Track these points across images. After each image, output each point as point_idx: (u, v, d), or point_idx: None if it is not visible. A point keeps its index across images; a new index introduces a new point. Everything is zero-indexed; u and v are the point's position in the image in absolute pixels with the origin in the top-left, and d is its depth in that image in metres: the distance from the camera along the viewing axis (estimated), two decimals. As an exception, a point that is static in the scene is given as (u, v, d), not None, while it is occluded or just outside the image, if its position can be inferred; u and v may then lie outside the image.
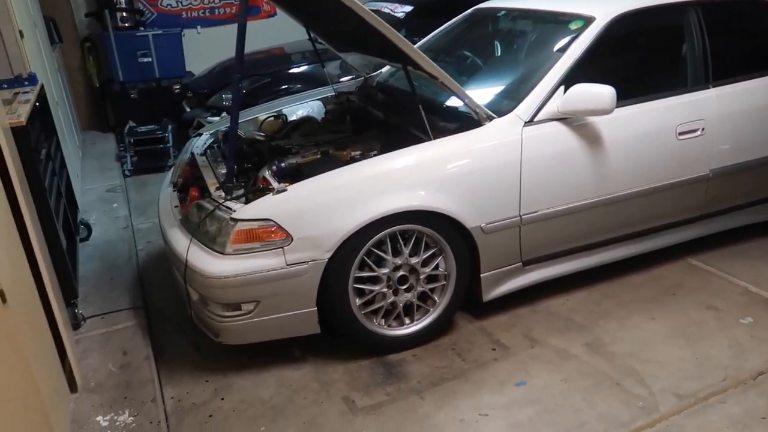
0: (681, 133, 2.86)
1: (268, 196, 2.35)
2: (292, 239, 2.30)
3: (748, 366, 2.40)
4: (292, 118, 3.63)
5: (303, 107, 3.77)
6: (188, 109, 5.53)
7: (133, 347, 2.57)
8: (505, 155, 2.55)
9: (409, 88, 2.64)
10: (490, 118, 2.59)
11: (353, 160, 2.66)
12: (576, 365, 2.46)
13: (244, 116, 3.63)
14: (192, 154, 3.20)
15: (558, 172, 2.65)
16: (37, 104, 2.90)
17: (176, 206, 2.85)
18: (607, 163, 2.72)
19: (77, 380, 2.30)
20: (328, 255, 2.34)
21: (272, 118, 3.56)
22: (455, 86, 2.52)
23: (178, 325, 2.79)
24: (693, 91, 2.93)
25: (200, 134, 3.52)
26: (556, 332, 2.69)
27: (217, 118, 4.96)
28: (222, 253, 2.32)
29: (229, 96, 5.09)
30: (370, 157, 2.66)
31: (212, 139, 3.43)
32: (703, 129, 2.90)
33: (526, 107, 2.62)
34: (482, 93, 2.89)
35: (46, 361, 2.01)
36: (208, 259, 2.34)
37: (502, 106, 2.69)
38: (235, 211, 2.35)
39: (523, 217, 2.62)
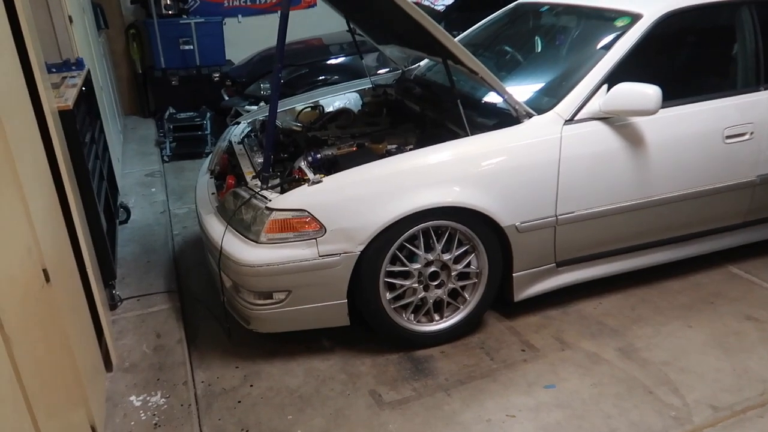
0: (728, 137, 2.76)
1: (303, 186, 2.36)
2: (325, 230, 2.31)
3: (789, 381, 2.32)
4: (329, 109, 3.64)
5: (340, 99, 3.77)
6: (227, 98, 5.60)
7: (166, 330, 2.62)
8: (543, 154, 2.51)
9: (447, 83, 2.62)
10: (530, 116, 2.55)
11: (389, 153, 2.65)
12: (607, 370, 2.41)
13: (282, 106, 3.65)
14: (230, 142, 3.24)
15: (597, 173, 2.59)
16: (84, 89, 2.97)
17: (213, 193, 2.89)
18: (648, 165, 2.65)
19: (113, 360, 2.36)
20: (361, 248, 2.34)
21: (309, 109, 3.58)
22: (495, 82, 2.49)
23: (211, 311, 2.84)
24: (743, 93, 2.83)
25: (238, 122, 3.56)
26: (588, 335, 2.64)
27: (255, 107, 5.02)
28: (256, 242, 2.34)
29: (267, 85, 5.13)
30: (406, 151, 2.65)
31: (250, 128, 3.46)
32: (752, 133, 2.80)
33: (566, 105, 2.57)
34: (522, 89, 2.85)
35: (85, 339, 2.07)
36: (243, 247, 2.36)
37: (542, 104, 2.64)
38: (270, 200, 2.38)
39: (559, 217, 2.58)
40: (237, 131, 3.40)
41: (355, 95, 3.80)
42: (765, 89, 2.85)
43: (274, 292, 2.39)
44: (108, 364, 2.36)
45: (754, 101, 2.82)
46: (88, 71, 3.37)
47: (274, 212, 2.32)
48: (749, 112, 2.80)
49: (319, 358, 2.55)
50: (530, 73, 3.14)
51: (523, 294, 2.70)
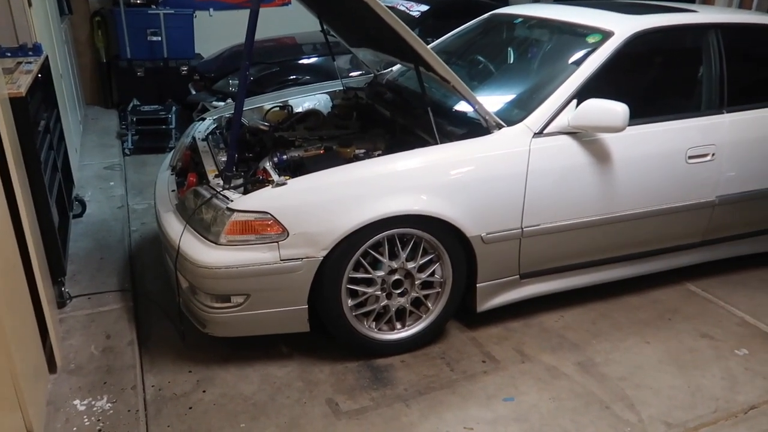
0: (691, 157, 2.81)
1: (267, 188, 2.30)
2: (288, 234, 2.25)
3: (740, 399, 2.36)
4: (298, 109, 3.58)
5: (310, 99, 3.72)
6: (194, 92, 5.47)
7: (117, 331, 2.52)
8: (511, 165, 2.50)
9: (419, 89, 2.59)
10: (500, 127, 2.54)
11: (357, 158, 2.60)
12: (566, 384, 2.42)
13: (250, 104, 3.58)
14: (194, 138, 3.15)
15: (563, 187, 2.60)
16: (40, 75, 2.84)
17: (173, 190, 2.80)
18: (613, 181, 2.67)
19: (57, 361, 2.25)
20: (324, 253, 2.29)
21: (278, 109, 3.51)
22: (466, 91, 2.47)
23: (165, 312, 2.74)
24: (706, 115, 2.88)
25: (204, 118, 3.47)
26: (548, 349, 2.64)
27: (222, 104, 4.91)
28: (215, 243, 2.27)
29: (236, 82, 5.03)
30: (374, 156, 2.61)
31: (215, 125, 3.38)
32: (713, 154, 2.86)
33: (536, 118, 2.57)
34: (493, 100, 2.84)
35: (26, 338, 1.96)
36: (201, 248, 2.28)
37: (512, 115, 2.64)
38: (232, 201, 2.30)
39: (524, 229, 2.58)
40: (201, 128, 3.30)
41: (326, 97, 3.75)
42: (727, 112, 2.91)
43: (232, 295, 2.32)
44: (52, 366, 2.25)
45: (717, 123, 2.88)
46: (46, 57, 3.23)
47: (235, 213, 2.25)
48: (711, 134, 2.86)
49: (277, 365, 2.48)
50: (501, 84, 3.14)
51: (486, 305, 2.68)
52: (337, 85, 3.76)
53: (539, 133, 2.56)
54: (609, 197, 2.70)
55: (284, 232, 2.25)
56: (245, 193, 2.36)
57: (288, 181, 2.31)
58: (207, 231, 2.31)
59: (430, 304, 2.59)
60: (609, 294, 3.03)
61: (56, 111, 3.35)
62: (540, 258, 2.72)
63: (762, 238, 3.29)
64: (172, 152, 3.23)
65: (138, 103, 5.76)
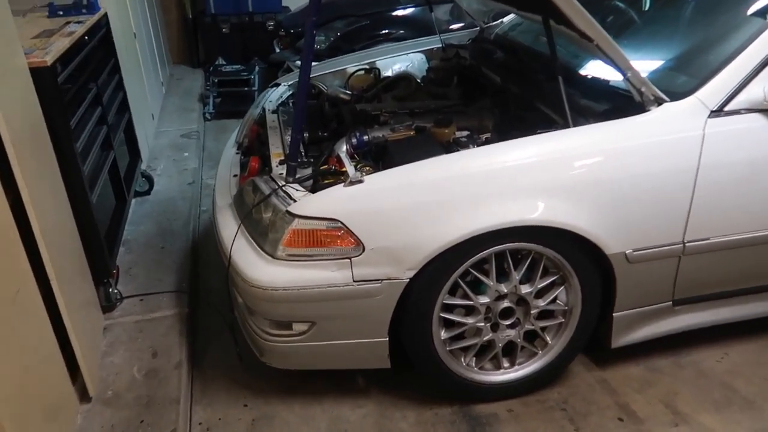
0: None
1: (338, 186, 1.75)
2: (363, 248, 1.70)
3: None
4: (387, 73, 2.98)
5: (402, 60, 3.10)
6: (278, 50, 5.00)
7: (166, 347, 2.12)
8: (676, 157, 1.79)
9: (540, 48, 1.92)
10: (660, 102, 1.81)
11: (457, 143, 1.98)
12: (742, 467, 1.74)
13: (332, 66, 3.03)
14: (263, 109, 2.66)
15: (750, 187, 1.85)
16: (87, 37, 2.43)
17: (235, 175, 2.32)
18: (826, 179, 1.88)
19: (90, 389, 1.88)
20: (410, 274, 1.73)
21: (362, 72, 2.93)
22: (616, 52, 1.76)
23: (226, 321, 2.32)
24: None
25: (277, 84, 2.96)
26: (710, 405, 1.95)
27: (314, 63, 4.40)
28: (272, 256, 1.76)
29: (322, 38, 4.49)
30: (481, 141, 1.98)
31: (291, 92, 2.86)
32: None
33: (714, 90, 1.82)
34: (643, 63, 2.10)
35: (40, 364, 1.59)
36: (255, 260, 1.79)
37: (675, 86, 1.90)
38: (294, 201, 1.78)
39: (687, 245, 1.87)
40: (274, 96, 2.79)
41: (421, 56, 3.11)
42: None
43: (293, 322, 1.83)
44: (85, 394, 1.88)
45: None
46: (104, 16, 2.83)
47: (296, 219, 1.73)
48: None
49: (350, 404, 1.99)
50: (654, 40, 2.35)
51: (623, 339, 2.02)
52: (435, 42, 3.10)
53: (718, 111, 1.81)
54: (817, 201, 1.91)
55: (359, 246, 1.71)
56: (315, 190, 1.83)
57: (365, 178, 1.74)
58: (263, 238, 1.81)
59: (549, 338, 1.97)
60: (792, 324, 2.25)
61: (118, 77, 2.97)
62: (705, 281, 2.00)
63: None
64: (239, 125, 2.76)
65: (222, 62, 5.40)
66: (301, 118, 1.89)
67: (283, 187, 1.86)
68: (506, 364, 1.98)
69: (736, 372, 2.09)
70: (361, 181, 1.73)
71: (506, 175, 1.73)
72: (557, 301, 1.92)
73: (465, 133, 2.06)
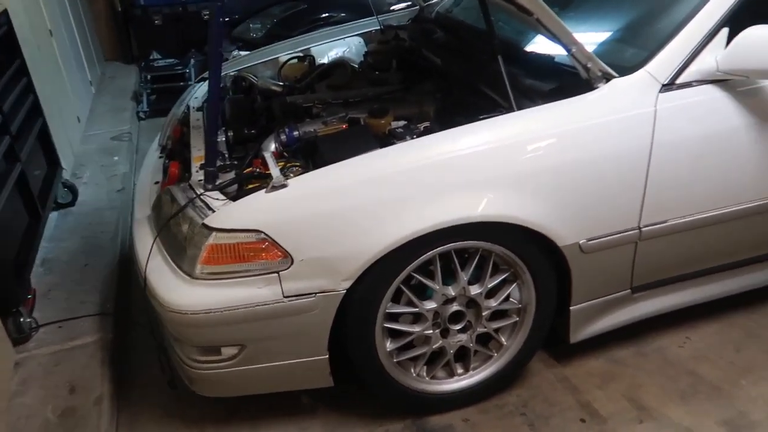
0: None
1: (259, 193, 1.56)
2: (292, 261, 1.52)
3: None
4: (323, 60, 2.78)
5: (339, 45, 2.90)
6: (214, 40, 4.71)
7: (85, 380, 1.90)
8: (626, 137, 1.65)
9: (482, 25, 1.75)
10: (607, 78, 1.67)
11: (393, 135, 1.81)
12: (712, 463, 1.64)
13: (264, 55, 2.81)
14: (188, 107, 2.43)
15: (707, 164, 1.73)
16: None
17: (156, 182, 2.10)
18: (783, 151, 1.77)
19: (-5, 437, 1.66)
20: (347, 284, 1.56)
21: (296, 60, 2.72)
22: (559, 26, 1.61)
23: (157, 341, 2.10)
24: None
25: (205, 78, 2.73)
26: (675, 396, 1.85)
27: (244, 53, 4.15)
28: (190, 275, 1.57)
29: (258, 26, 4.25)
30: (419, 131, 1.81)
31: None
32: None
33: (663, 62, 1.69)
34: (589, 36, 1.97)
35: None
36: (172, 282, 1.59)
37: (624, 59, 1.76)
38: (212, 212, 1.58)
39: (643, 229, 1.74)
40: (200, 92, 2.57)
41: (359, 40, 2.92)
42: None
43: (221, 346, 1.64)
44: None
45: None
46: (4, 13, 2.54)
47: (214, 233, 1.53)
48: None
49: (295, 426, 1.82)
50: (601, 11, 2.21)
51: (583, 333, 1.90)
52: (374, 24, 2.91)
53: (669, 85, 1.68)
54: (775, 174, 1.81)
55: (287, 258, 1.52)
56: (237, 197, 1.63)
57: (290, 182, 1.55)
58: (180, 256, 1.61)
59: (504, 339, 1.83)
60: (754, 299, 2.17)
61: (26, 80, 2.69)
62: (664, 265, 1.89)
63: None
64: (163, 125, 2.52)
65: (157, 56, 5.09)
66: (214, 117, 1.69)
67: (201, 196, 1.66)
68: (460, 371, 1.83)
69: (701, 356, 1.99)
70: (284, 186, 1.54)
71: (444, 169, 1.56)
72: (510, 300, 1.78)
73: (402, 123, 1.88)
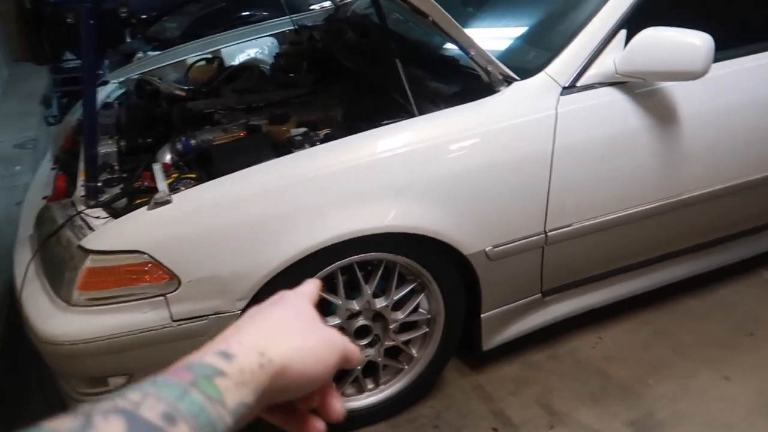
0: (791, 105, 1.91)
1: (141, 210, 1.45)
2: (179, 283, 1.42)
3: None
4: (234, 62, 2.66)
5: (252, 46, 2.79)
6: (128, 39, 4.50)
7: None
8: (528, 141, 1.63)
9: (397, 27, 1.72)
10: (509, 81, 1.65)
11: (291, 144, 1.72)
12: (620, 466, 1.64)
13: (172, 57, 2.67)
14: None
15: (609, 166, 1.73)
16: None
17: (45, 197, 1.94)
18: (683, 151, 1.80)
19: None
20: (242, 304, 1.47)
21: (204, 63, 2.60)
22: (455, 29, 1.56)
23: (36, 376, 1.95)
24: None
25: (106, 82, 2.56)
26: (586, 398, 1.85)
27: (153, 54, 3.95)
28: (68, 302, 1.44)
29: (174, 25, 4.06)
30: (318, 139, 1.74)
31: (121, 90, 2.49)
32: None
33: (563, 65, 1.67)
34: (495, 38, 1.95)
35: None
36: (48, 309, 1.46)
37: (525, 62, 1.74)
38: (91, 231, 1.46)
39: (549, 234, 1.73)
40: (100, 96, 2.41)
41: (272, 41, 2.82)
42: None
43: (107, 377, 1.52)
44: None
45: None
46: None
47: (90, 255, 1.41)
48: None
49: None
50: (503, 14, 2.20)
51: (495, 340, 1.88)
52: (289, 24, 2.81)
53: (570, 87, 1.67)
54: (677, 174, 1.83)
55: (173, 280, 1.42)
56: (118, 215, 1.51)
57: (174, 197, 1.45)
58: (57, 281, 1.48)
59: (414, 351, 1.78)
60: (663, 298, 2.21)
61: None
62: (573, 268, 1.89)
63: None
64: (54, 134, 2.35)
65: (71, 56, 4.81)
66: (91, 128, 1.56)
67: (81, 214, 1.53)
68: (370, 386, 1.78)
69: (611, 356, 2.01)
70: (168, 201, 1.43)
71: (339, 180, 1.49)
72: (419, 310, 1.73)
73: (302, 130, 1.80)
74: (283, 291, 0.51)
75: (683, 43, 1.54)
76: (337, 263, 1.54)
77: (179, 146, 1.81)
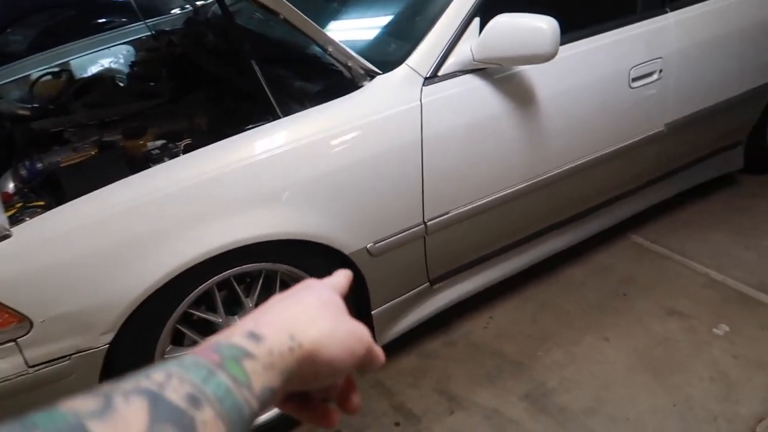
0: (635, 79, 2.05)
1: (-25, 248, 1.28)
2: (31, 324, 1.28)
3: (743, 412, 1.74)
4: (85, 75, 2.46)
5: (106, 56, 2.59)
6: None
7: None
8: (397, 134, 1.62)
9: (259, 27, 1.65)
10: (371, 75, 1.63)
11: (148, 158, 1.61)
12: (517, 440, 1.70)
13: (14, 72, 2.42)
14: None
15: (476, 152, 1.77)
16: None
17: None
18: (543, 131, 1.88)
19: None
20: (108, 338, 1.35)
21: (50, 77, 2.37)
22: (309, 26, 1.52)
23: None
24: (647, 19, 2.10)
25: None
26: (483, 379, 1.90)
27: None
28: None
29: (19, 38, 3.69)
30: (177, 150, 1.63)
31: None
32: (660, 71, 2.11)
33: (423, 56, 1.68)
34: (356, 34, 1.94)
35: None
36: None
37: (387, 54, 1.73)
38: None
39: (428, 224, 1.74)
40: None
41: (128, 49, 2.63)
42: (671, 10, 2.15)
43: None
44: None
45: (661, 29, 2.12)
46: None
47: None
48: (656, 44, 2.10)
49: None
50: (366, 4, 2.19)
51: (389, 334, 1.88)
52: (145, 30, 2.64)
53: (432, 77, 1.68)
54: (539, 154, 1.91)
55: (24, 322, 1.28)
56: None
57: (14, 230, 1.30)
58: None
59: (308, 358, 1.73)
60: (545, 271, 2.31)
61: None
62: (456, 253, 1.93)
63: (709, 163, 2.69)
64: None
65: None
66: None
67: None
68: (266, 401, 1.70)
69: (502, 335, 2.07)
70: (7, 236, 1.28)
71: (202, 192, 1.41)
72: (308, 316, 1.68)
73: (159, 142, 1.68)
74: (309, 279, 0.50)
75: (531, 27, 1.60)
76: (211, 280, 1.46)
77: (23, 172, 1.64)
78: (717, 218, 2.65)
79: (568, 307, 2.18)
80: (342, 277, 0.52)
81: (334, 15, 2.12)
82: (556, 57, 1.64)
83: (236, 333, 0.39)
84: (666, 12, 2.13)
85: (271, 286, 1.59)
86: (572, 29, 1.87)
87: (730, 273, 2.31)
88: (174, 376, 0.34)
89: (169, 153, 1.58)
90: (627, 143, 2.13)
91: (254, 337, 0.39)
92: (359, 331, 0.45)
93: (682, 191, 2.63)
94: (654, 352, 1.96)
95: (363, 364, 0.46)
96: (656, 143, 2.26)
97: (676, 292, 2.22)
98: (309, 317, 0.43)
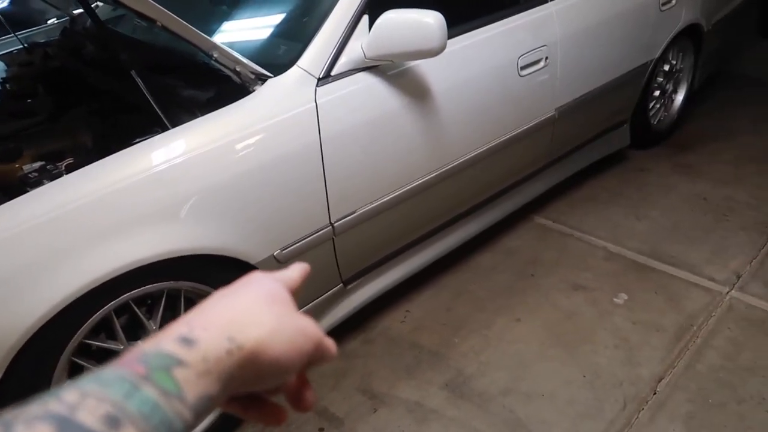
0: (523, 68, 2.13)
1: None
2: None
3: (645, 374, 1.86)
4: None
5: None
6: None
7: None
8: (293, 137, 1.59)
9: (144, 36, 1.57)
10: (262, 79, 1.59)
11: (25, 183, 1.49)
12: (440, 429, 1.72)
13: None
14: None
15: (376, 149, 1.77)
16: None
17: None
18: (441, 123, 1.91)
19: None
20: (-7, 382, 1.24)
21: None
22: (192, 32, 1.46)
23: None
24: (531, 8, 2.19)
25: None
26: (403, 373, 1.91)
27: None
28: None
29: None
30: (58, 171, 1.52)
31: None
32: (546, 58, 2.20)
33: (314, 56, 1.66)
34: (246, 37, 1.89)
35: None
36: None
37: (278, 57, 1.70)
38: None
39: (335, 225, 1.73)
40: None
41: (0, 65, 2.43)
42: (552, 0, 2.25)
43: None
44: None
45: (544, 17, 2.21)
46: None
47: None
48: (541, 32, 2.19)
49: None
50: (254, 8, 2.14)
51: (307, 340, 1.84)
52: (16, 43, 2.44)
53: (325, 78, 1.66)
54: (442, 145, 1.94)
55: None
56: None
57: None
58: None
59: (222, 375, 1.67)
60: (455, 260, 2.36)
61: None
62: (367, 252, 1.93)
63: (599, 143, 2.85)
64: None
65: None
66: None
67: None
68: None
69: (420, 327, 2.10)
70: None
71: (86, 215, 1.31)
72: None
73: (38, 164, 1.56)
74: (256, 272, 0.46)
75: (418, 22, 1.61)
76: (107, 306, 1.37)
77: None
78: (611, 193, 2.82)
79: (480, 292, 2.24)
80: (295, 271, 0.49)
81: (223, 18, 2.05)
82: (447, 50, 1.67)
83: (166, 338, 0.36)
84: (548, 1, 2.23)
85: (176, 305, 1.51)
86: (460, 22, 1.91)
87: (625, 244, 2.46)
88: (90, 396, 0.31)
89: (49, 175, 1.47)
90: (522, 129, 2.21)
91: (186, 341, 0.36)
92: (306, 326, 0.43)
93: (578, 171, 2.77)
94: (563, 327, 2.06)
95: (313, 360, 0.43)
96: (549, 127, 2.36)
97: (579, 267, 2.34)
98: (250, 315, 0.40)
